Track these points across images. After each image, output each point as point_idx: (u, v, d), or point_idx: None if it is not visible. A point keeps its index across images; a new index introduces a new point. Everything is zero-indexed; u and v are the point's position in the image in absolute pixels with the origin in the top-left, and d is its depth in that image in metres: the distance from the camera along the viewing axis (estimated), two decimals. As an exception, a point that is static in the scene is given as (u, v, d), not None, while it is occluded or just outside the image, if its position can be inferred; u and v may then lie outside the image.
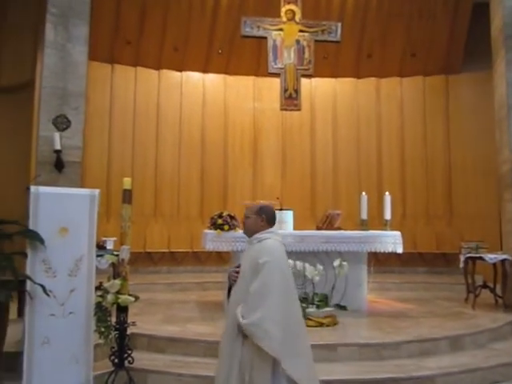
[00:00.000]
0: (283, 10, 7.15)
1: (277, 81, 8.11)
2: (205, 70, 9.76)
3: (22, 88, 8.33)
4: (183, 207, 9.42)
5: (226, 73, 9.83)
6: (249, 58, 9.67)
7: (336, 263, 5.28)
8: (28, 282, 3.38)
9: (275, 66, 7.08)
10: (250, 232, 2.90)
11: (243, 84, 9.91)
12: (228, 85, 9.87)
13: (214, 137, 9.69)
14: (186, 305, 6.37)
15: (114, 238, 5.97)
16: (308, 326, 4.88)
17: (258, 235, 2.83)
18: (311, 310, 5.10)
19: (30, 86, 8.00)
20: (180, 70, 9.63)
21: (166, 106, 9.48)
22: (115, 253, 4.53)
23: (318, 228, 6.30)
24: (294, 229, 6.33)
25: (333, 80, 10.09)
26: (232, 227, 5.55)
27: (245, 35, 7.19)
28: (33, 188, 3.50)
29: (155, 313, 5.68)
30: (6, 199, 8.33)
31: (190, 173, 9.52)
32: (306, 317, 4.96)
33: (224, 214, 5.60)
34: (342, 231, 6.10)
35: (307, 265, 5.25)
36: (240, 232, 5.64)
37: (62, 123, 4.71)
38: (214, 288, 7.46)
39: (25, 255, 3.46)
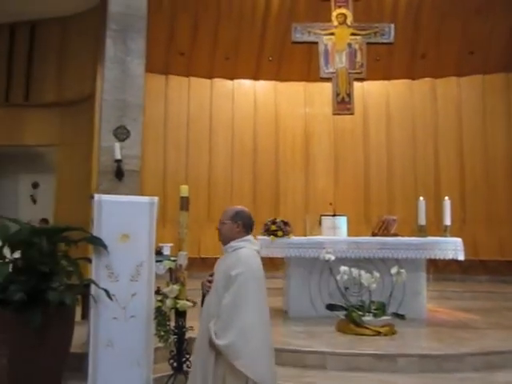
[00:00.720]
0: (334, 14, 7.10)
1: (328, 85, 8.06)
2: (255, 78, 9.87)
3: (83, 101, 8.81)
4: (236, 212, 9.53)
5: (276, 79, 9.89)
6: (299, 63, 9.68)
7: (393, 270, 5.13)
8: (92, 286, 3.54)
9: (327, 71, 7.03)
10: (224, 239, 2.73)
11: (294, 90, 9.92)
12: (279, 91, 9.92)
13: (266, 143, 9.75)
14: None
15: (171, 244, 6.12)
16: (364, 334, 4.80)
17: (233, 243, 2.66)
18: (368, 318, 4.97)
19: (90, 98, 8.45)
20: (231, 78, 9.79)
21: (218, 114, 9.67)
22: (172, 258, 4.64)
23: (374, 234, 6.16)
24: (348, 235, 6.22)
25: (385, 82, 9.88)
26: (285, 233, 5.54)
27: (295, 41, 7.20)
28: (96, 196, 3.66)
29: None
30: (70, 206, 8.81)
31: (242, 179, 9.63)
32: (362, 325, 4.87)
33: (277, 220, 5.60)
34: (398, 237, 5.92)
35: (363, 272, 5.13)
36: (294, 238, 5.63)
37: (121, 134, 4.88)
38: (268, 294, 7.44)
39: (89, 260, 3.62)
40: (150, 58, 5.23)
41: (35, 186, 10.53)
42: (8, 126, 9.27)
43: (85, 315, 5.01)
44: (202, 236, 9.13)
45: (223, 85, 9.78)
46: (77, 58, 9.10)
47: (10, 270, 3.26)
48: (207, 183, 9.41)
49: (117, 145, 4.73)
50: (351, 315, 5.00)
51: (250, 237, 2.74)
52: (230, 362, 2.36)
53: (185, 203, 3.69)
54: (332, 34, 7.03)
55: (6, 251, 3.33)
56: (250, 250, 2.65)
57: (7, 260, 3.27)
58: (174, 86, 9.50)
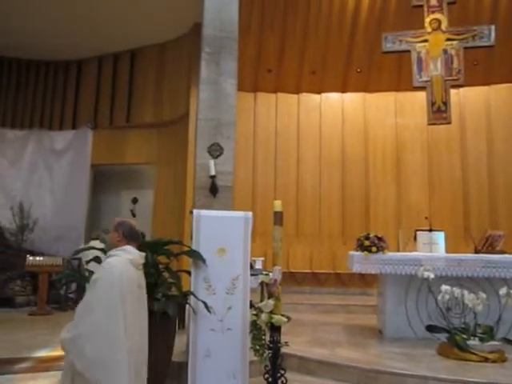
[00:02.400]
0: (427, 20, 6.81)
1: (420, 94, 7.74)
2: (343, 90, 9.76)
3: (178, 121, 9.34)
4: (325, 226, 9.42)
5: (365, 91, 9.70)
6: (389, 73, 9.42)
7: (502, 291, 4.70)
8: (192, 298, 3.68)
9: (420, 80, 6.74)
10: (108, 247, 2.88)
11: (383, 100, 9.65)
12: (367, 102, 9.71)
13: (355, 155, 9.57)
14: (331, 327, 6.27)
15: (262, 258, 6.20)
16: (470, 360, 4.43)
17: (111, 251, 2.78)
18: (473, 342, 4.60)
19: (185, 118, 8.93)
20: (318, 92, 9.79)
21: (305, 128, 9.69)
22: (265, 272, 4.69)
23: (477, 251, 5.71)
24: (446, 251, 5.84)
25: (485, 88, 9.23)
26: (380, 249, 5.34)
27: (386, 51, 7.01)
28: (195, 211, 3.83)
29: (302, 334, 5.70)
30: (165, 220, 9.32)
31: (331, 192, 9.51)
32: (467, 349, 4.51)
33: (371, 236, 5.43)
34: (506, 255, 5.43)
35: (466, 292, 4.78)
36: (389, 254, 5.41)
37: (215, 151, 5.08)
38: (359, 311, 7.25)
39: (188, 273, 3.78)
40: (239, 76, 5.40)
41: (135, 201, 11.30)
42: (111, 146, 10.11)
43: (180, 325, 5.24)
44: (291, 250, 9.14)
45: (310, 99, 9.80)
46: (172, 81, 9.70)
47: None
48: (295, 197, 9.42)
49: (211, 161, 4.93)
50: (454, 338, 4.65)
51: (127, 246, 2.82)
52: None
53: (278, 218, 3.71)
54: (425, 40, 6.74)
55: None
56: (120, 258, 2.72)
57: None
58: (262, 103, 9.71)
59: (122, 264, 2.72)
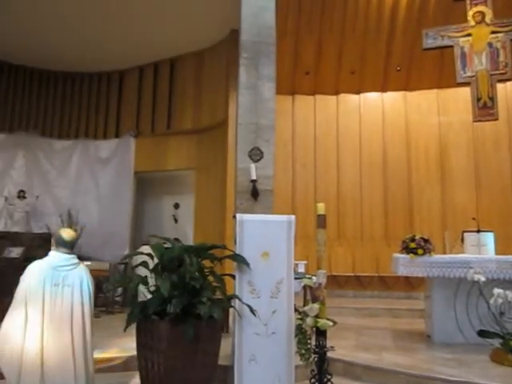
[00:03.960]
0: (470, 13, 6.57)
1: (463, 90, 7.49)
2: (383, 89, 9.58)
3: (217, 127, 9.46)
4: (367, 229, 9.25)
5: (405, 89, 9.47)
6: (430, 70, 9.18)
7: (561, 295, 4.46)
8: (236, 302, 3.70)
9: (464, 75, 6.50)
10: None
11: (425, 98, 9.40)
12: (408, 101, 9.48)
13: (396, 155, 9.35)
14: (377, 332, 6.14)
15: (305, 262, 6.16)
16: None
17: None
18: (531, 349, 4.37)
19: (223, 124, 9.03)
20: (357, 93, 9.65)
21: (345, 129, 9.57)
22: (307, 276, 4.65)
23: (531, 252, 5.44)
24: (496, 253, 5.60)
25: (535, 81, 8.78)
26: (426, 251, 5.19)
27: (427, 48, 6.81)
28: (238, 216, 3.85)
29: (347, 338, 5.61)
30: (206, 224, 9.44)
31: (372, 193, 9.33)
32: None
33: (417, 237, 5.28)
34: None
35: (521, 296, 4.55)
36: (436, 256, 5.25)
37: (256, 155, 5.10)
38: (405, 316, 7.07)
39: (233, 277, 3.81)
40: (277, 79, 5.40)
41: (176, 206, 11.52)
42: (153, 153, 10.36)
43: (224, 329, 5.27)
44: (333, 253, 9.02)
45: (349, 99, 9.67)
46: (210, 87, 9.84)
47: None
48: (336, 199, 9.30)
49: (252, 166, 4.94)
50: (509, 344, 4.45)
51: (52, 251, 3.36)
52: None
53: (322, 221, 3.67)
54: (469, 35, 6.51)
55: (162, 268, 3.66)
56: (41, 260, 3.21)
57: (163, 276, 3.58)
58: (300, 105, 9.68)
59: (39, 264, 3.28)
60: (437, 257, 5.27)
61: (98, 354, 5.13)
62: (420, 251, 5.18)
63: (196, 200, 9.89)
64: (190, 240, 9.56)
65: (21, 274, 7.30)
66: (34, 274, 3.20)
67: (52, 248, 3.39)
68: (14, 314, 3.06)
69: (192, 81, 10.24)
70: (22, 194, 10.29)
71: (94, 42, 9.71)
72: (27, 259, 8.87)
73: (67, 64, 10.84)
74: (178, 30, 9.16)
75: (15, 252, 8.42)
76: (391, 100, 9.57)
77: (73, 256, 3.39)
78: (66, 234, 3.45)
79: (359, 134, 9.54)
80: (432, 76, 9.22)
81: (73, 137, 11.11)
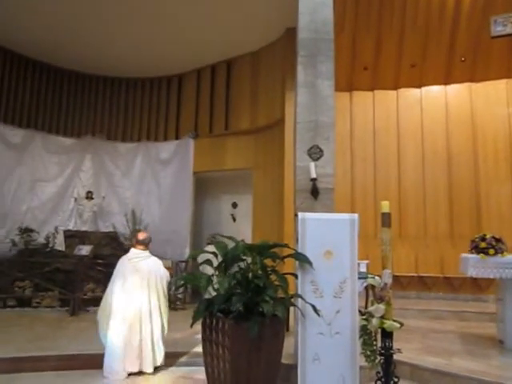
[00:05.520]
0: (544, -4, 6.14)
1: (538, 79, 6.99)
2: (446, 82, 9.15)
3: (274, 126, 9.48)
4: (430, 227, 8.88)
5: (470, 80, 8.99)
6: (498, 59, 8.66)
7: None
8: (299, 301, 3.69)
9: (539, 63, 6.07)
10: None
11: (493, 89, 8.86)
12: (474, 92, 8.99)
13: (461, 149, 8.90)
14: (443, 335, 5.89)
15: (367, 261, 6.03)
16: None
17: None
18: None
19: (280, 123, 9.03)
20: (419, 86, 9.29)
21: (405, 124, 9.25)
22: (370, 276, 4.55)
23: None
24: None
25: None
26: (498, 251, 4.90)
27: (495, 36, 6.47)
28: (300, 214, 3.84)
29: (411, 341, 5.43)
30: (265, 223, 9.49)
31: (436, 190, 8.94)
32: None
33: (487, 237, 5.00)
34: None
35: None
36: (509, 257, 4.95)
37: (315, 153, 5.05)
38: (473, 319, 6.74)
39: (295, 276, 3.80)
40: (335, 76, 5.31)
41: (234, 205, 11.68)
42: (212, 153, 10.57)
43: (286, 328, 5.26)
44: (394, 252, 8.72)
45: (410, 94, 9.33)
46: (266, 87, 9.88)
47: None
48: (397, 197, 9.00)
49: (311, 164, 4.90)
50: None
51: (132, 248, 4.99)
52: None
53: (387, 219, 3.58)
54: (543, 20, 6.09)
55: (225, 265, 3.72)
56: (123, 256, 5.00)
57: (227, 274, 3.65)
58: (358, 102, 9.46)
59: (122, 259, 4.94)
60: (510, 257, 4.96)
61: (163, 349, 5.33)
62: (491, 251, 4.90)
63: (254, 199, 9.97)
64: (248, 239, 9.65)
65: (90, 270, 8.59)
66: (120, 262, 4.90)
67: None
68: (109, 286, 4.83)
69: (248, 81, 10.33)
70: (89, 195, 10.86)
71: (155, 48, 10.07)
72: (96, 256, 9.39)
73: (129, 70, 11.31)
74: (234, 31, 9.28)
75: (85, 250, 8.90)
76: (455, 92, 9.13)
77: (145, 251, 4.94)
78: (140, 234, 5.08)
79: (421, 129, 9.17)
80: (501, 65, 8.69)
81: (135, 139, 11.59)
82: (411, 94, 9.34)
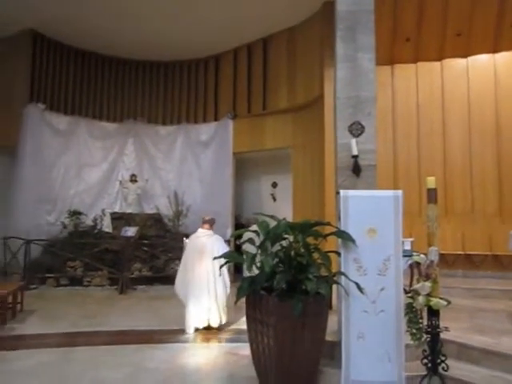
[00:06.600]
0: None
1: None
2: (495, 50, 8.65)
3: (312, 103, 9.33)
4: (478, 204, 8.56)
5: (522, 47, 8.46)
6: (553, 23, 8.09)
7: None
8: (343, 279, 3.67)
9: None
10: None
11: (547, 56, 8.32)
12: (526, 60, 8.46)
13: (511, 122, 8.45)
14: (493, 314, 5.71)
15: (411, 239, 5.89)
16: None
17: None
18: None
19: (319, 100, 8.87)
20: (465, 56, 8.83)
21: (451, 96, 8.86)
22: (415, 253, 4.45)
23: None
24: None
25: None
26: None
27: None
28: (342, 192, 3.78)
29: (458, 319, 5.30)
30: (304, 202, 9.45)
31: (484, 164, 8.56)
32: None
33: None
34: None
35: None
36: None
37: (356, 129, 4.94)
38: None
39: (338, 254, 3.77)
40: (375, 49, 5.13)
41: (274, 185, 11.68)
42: (250, 134, 10.56)
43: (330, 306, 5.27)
44: (440, 230, 8.45)
45: (455, 64, 8.88)
46: (304, 64, 9.70)
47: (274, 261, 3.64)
48: (442, 173, 8.68)
49: (353, 141, 4.80)
50: None
51: (199, 228, 6.05)
52: None
53: (432, 195, 3.47)
54: None
55: (268, 244, 3.75)
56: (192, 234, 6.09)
57: (269, 252, 3.67)
58: (400, 75, 9.12)
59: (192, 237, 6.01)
60: None
61: (207, 325, 5.49)
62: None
63: (294, 178, 9.92)
64: (288, 218, 9.61)
65: (136, 251, 9.20)
66: (190, 240, 5.98)
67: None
68: (182, 261, 5.94)
69: (285, 59, 10.18)
70: (133, 178, 11.17)
71: (192, 30, 10.07)
72: (141, 237, 9.71)
73: (167, 54, 11.41)
74: (269, 8, 9.12)
75: (131, 231, 9.21)
76: (505, 61, 8.62)
77: (209, 230, 5.97)
78: (206, 216, 6.16)
79: (467, 100, 8.75)
80: (556, 29, 8.13)
81: (175, 122, 11.74)
82: (457, 64, 8.91)
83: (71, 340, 5.22)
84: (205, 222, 6.02)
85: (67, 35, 10.56)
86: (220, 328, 5.73)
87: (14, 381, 3.89)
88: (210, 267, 5.64)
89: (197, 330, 5.64)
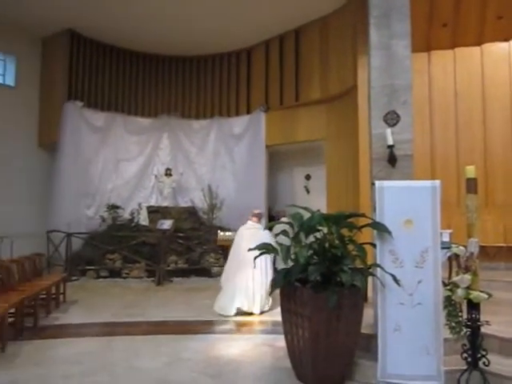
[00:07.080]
0: None
1: None
2: (540, 31, 8.24)
3: (346, 94, 9.19)
4: (521, 195, 8.22)
5: None
6: None
7: None
8: (378, 271, 3.61)
9: None
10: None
11: None
12: None
13: (558, 109, 8.05)
14: (537, 308, 5.50)
15: (450, 230, 5.74)
16: None
17: None
18: None
19: (353, 90, 8.73)
20: (506, 40, 8.45)
21: (491, 82, 8.50)
22: (454, 245, 4.33)
23: None
24: None
25: None
26: None
27: None
28: (377, 183, 3.72)
29: (500, 313, 5.11)
30: (339, 194, 9.36)
31: (529, 154, 8.20)
32: None
33: None
34: None
35: None
36: None
37: (391, 119, 4.82)
38: None
39: (373, 245, 3.71)
40: (411, 36, 4.98)
41: (308, 177, 11.61)
42: (283, 126, 10.52)
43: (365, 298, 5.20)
44: (480, 222, 8.20)
45: (496, 48, 8.50)
46: (337, 54, 9.55)
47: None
48: (483, 163, 8.36)
49: (388, 130, 4.69)
50: None
51: (248, 220, 6.48)
52: None
53: (472, 185, 3.36)
54: None
55: (301, 236, 3.74)
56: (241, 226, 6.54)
57: (303, 244, 3.66)
58: (437, 62, 8.83)
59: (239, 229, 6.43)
60: None
61: (244, 317, 5.54)
62: None
63: (327, 170, 9.83)
64: (322, 210, 9.52)
65: (172, 243, 9.48)
66: (239, 231, 6.42)
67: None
68: (231, 249, 6.32)
69: (317, 49, 10.06)
70: (168, 172, 11.36)
71: (223, 24, 10.10)
72: (177, 230, 9.88)
73: (200, 48, 11.49)
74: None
75: (166, 224, 9.39)
76: (551, 44, 8.20)
77: (257, 223, 6.43)
78: (255, 209, 6.67)
79: (509, 86, 8.38)
80: None
81: (208, 116, 11.84)
82: (498, 49, 8.54)
83: (112, 329, 5.38)
84: (254, 215, 6.42)
85: (103, 34, 10.81)
86: (263, 312, 6.06)
87: (58, 368, 4.06)
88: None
89: (237, 313, 5.90)
